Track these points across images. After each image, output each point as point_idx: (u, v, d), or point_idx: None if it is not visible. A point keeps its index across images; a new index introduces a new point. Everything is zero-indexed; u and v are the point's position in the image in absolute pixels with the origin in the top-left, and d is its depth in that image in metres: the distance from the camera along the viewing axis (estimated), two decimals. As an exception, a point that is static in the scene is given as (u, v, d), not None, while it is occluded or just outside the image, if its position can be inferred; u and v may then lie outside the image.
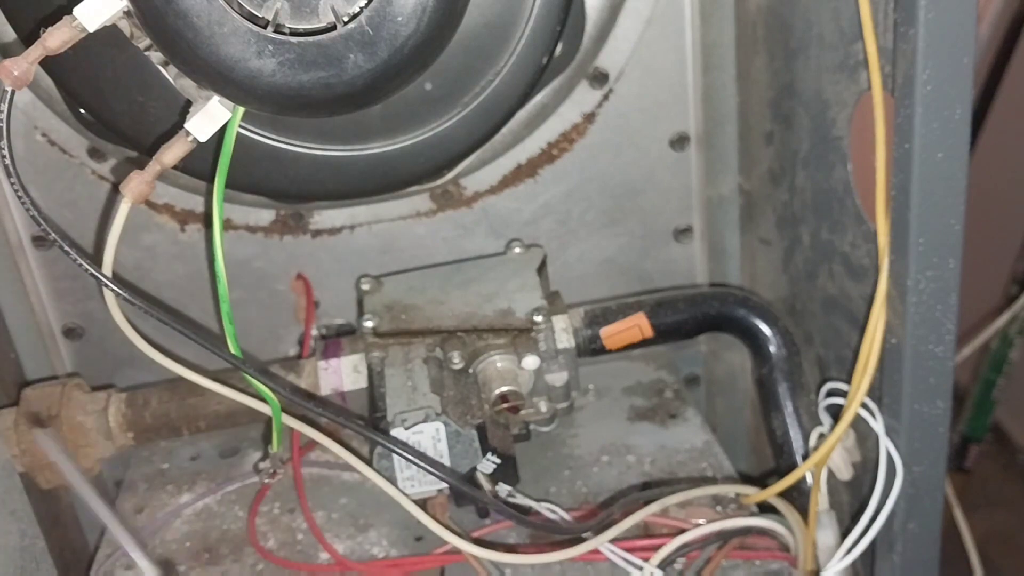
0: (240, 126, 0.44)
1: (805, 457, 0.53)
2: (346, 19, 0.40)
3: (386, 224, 0.64)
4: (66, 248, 0.41)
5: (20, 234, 0.61)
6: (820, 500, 0.49)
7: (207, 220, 0.62)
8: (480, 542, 0.49)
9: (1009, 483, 1.54)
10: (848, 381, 0.46)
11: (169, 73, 0.45)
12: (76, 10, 0.39)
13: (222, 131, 0.43)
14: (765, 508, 0.52)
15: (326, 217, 0.63)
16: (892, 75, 0.39)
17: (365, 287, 0.60)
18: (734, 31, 0.60)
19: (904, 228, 0.40)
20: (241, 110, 0.43)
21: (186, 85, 0.43)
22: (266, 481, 0.56)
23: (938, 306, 0.41)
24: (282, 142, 0.49)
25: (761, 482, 0.53)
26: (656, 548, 0.49)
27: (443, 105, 0.49)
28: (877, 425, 0.45)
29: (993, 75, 1.27)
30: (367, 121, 0.49)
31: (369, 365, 0.55)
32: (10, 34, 0.48)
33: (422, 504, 0.50)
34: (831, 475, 0.49)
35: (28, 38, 0.45)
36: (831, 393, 0.49)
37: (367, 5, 0.40)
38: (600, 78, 0.60)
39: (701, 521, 0.50)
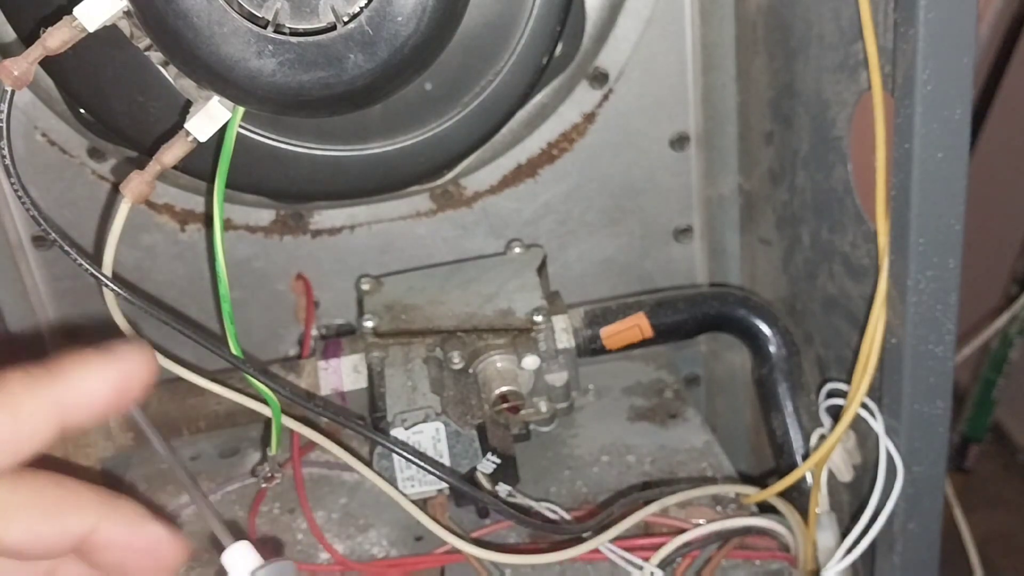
0: (240, 126, 0.44)
1: (805, 457, 0.53)
2: (346, 19, 0.40)
3: (386, 224, 0.64)
4: (66, 248, 0.41)
5: (20, 234, 0.61)
6: (820, 501, 0.49)
7: (207, 220, 0.62)
8: (480, 542, 0.49)
9: (1009, 483, 1.54)
10: (848, 381, 0.46)
11: (169, 73, 0.45)
12: (76, 10, 0.39)
13: (222, 131, 0.43)
14: (765, 508, 0.52)
15: (326, 217, 0.63)
16: (892, 75, 0.39)
17: (365, 287, 0.60)
18: (734, 31, 0.60)
19: (904, 228, 0.40)
20: (241, 110, 0.43)
21: (186, 85, 0.43)
22: (263, 485, 0.55)
23: (938, 306, 0.41)
24: (282, 142, 0.49)
25: (761, 482, 0.53)
26: (656, 548, 0.49)
27: (443, 105, 0.49)
28: (877, 425, 0.45)
29: (993, 75, 1.27)
30: (367, 121, 0.49)
31: (369, 365, 0.55)
32: (10, 34, 0.48)
33: (421, 504, 0.50)
34: (831, 475, 0.49)
35: (28, 38, 0.45)
36: (831, 394, 0.49)
37: (367, 5, 0.40)
38: (600, 78, 0.60)
39: (701, 521, 0.50)
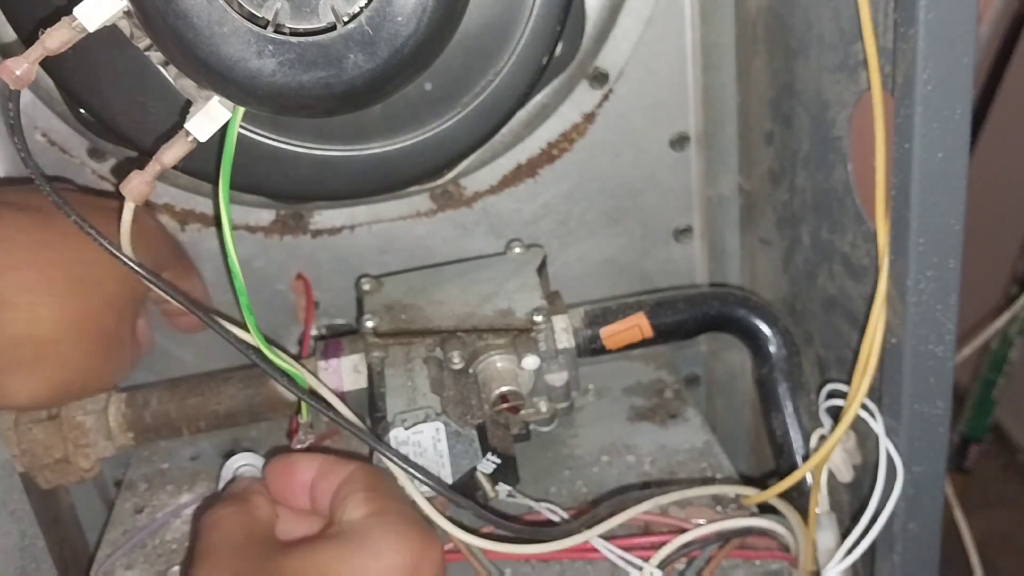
0: (240, 126, 0.44)
1: (805, 457, 0.53)
2: (346, 19, 0.40)
3: (386, 224, 0.64)
4: (100, 239, 0.42)
5: (20, 234, 0.61)
6: (820, 501, 0.49)
7: (207, 220, 0.62)
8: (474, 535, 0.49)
9: (1009, 483, 1.54)
10: (848, 381, 0.46)
11: (169, 73, 0.45)
12: (76, 10, 0.39)
13: (223, 131, 0.43)
14: (765, 508, 0.52)
15: (326, 217, 0.63)
16: (892, 75, 0.39)
17: (365, 287, 0.60)
18: (734, 31, 0.60)
19: (904, 228, 0.40)
20: (241, 110, 0.43)
21: (186, 85, 0.43)
22: (297, 447, 0.54)
23: (938, 306, 0.41)
24: (282, 142, 0.49)
25: (761, 482, 0.53)
26: (655, 547, 0.49)
27: (443, 105, 0.49)
28: (877, 426, 0.45)
29: (993, 75, 1.27)
30: (367, 121, 0.49)
31: (369, 365, 0.55)
32: (10, 34, 0.48)
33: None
34: (831, 475, 0.49)
35: (28, 38, 0.45)
36: (832, 394, 0.49)
37: (367, 5, 0.40)
38: (600, 78, 0.60)
39: (701, 521, 0.50)
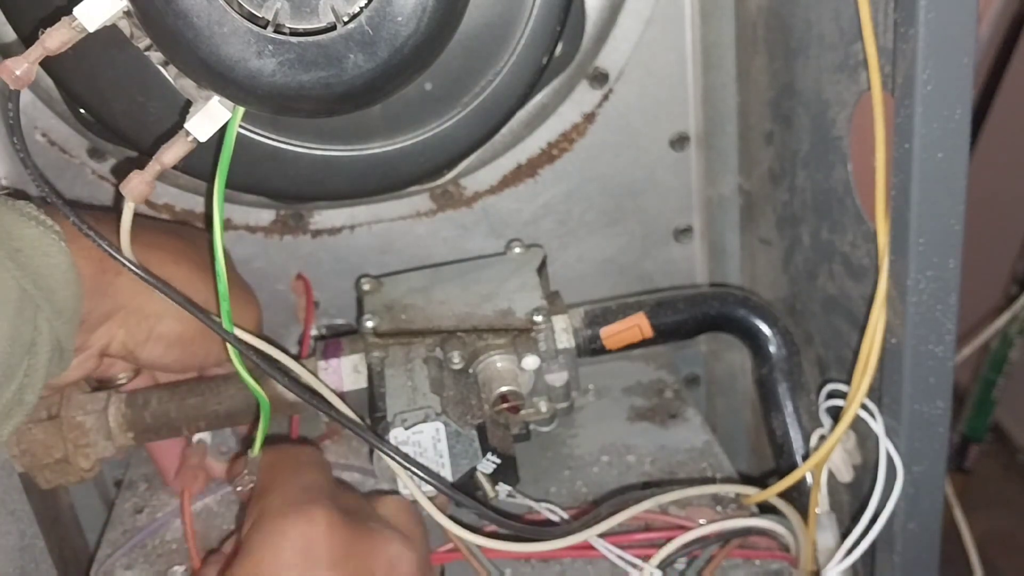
0: (240, 126, 0.44)
1: (805, 457, 0.53)
2: (346, 19, 0.40)
3: (386, 224, 0.64)
4: (99, 240, 0.42)
5: (20, 234, 0.61)
6: (820, 501, 0.49)
7: (207, 220, 0.62)
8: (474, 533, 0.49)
9: (1009, 483, 1.54)
10: (848, 381, 0.46)
11: (169, 73, 0.45)
12: (76, 10, 0.39)
13: (222, 131, 0.43)
14: (765, 508, 0.52)
15: (326, 217, 0.63)
16: (892, 75, 0.39)
17: (365, 287, 0.60)
18: (734, 31, 0.60)
19: (904, 228, 0.40)
20: (241, 110, 0.43)
21: (186, 85, 0.43)
22: (239, 489, 0.50)
23: (938, 306, 0.41)
24: (282, 142, 0.49)
25: (762, 482, 0.53)
26: (653, 543, 0.49)
27: (443, 105, 0.49)
28: (877, 426, 0.45)
29: (993, 75, 1.27)
30: (367, 121, 0.49)
31: (369, 365, 0.55)
32: (10, 34, 0.48)
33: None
34: (831, 475, 0.49)
35: (28, 38, 0.45)
36: (832, 395, 0.49)
37: (367, 5, 0.40)
38: (600, 78, 0.60)
39: (702, 521, 0.50)
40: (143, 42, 0.43)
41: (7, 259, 0.41)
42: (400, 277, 0.62)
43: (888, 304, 0.43)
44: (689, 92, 0.62)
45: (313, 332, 0.63)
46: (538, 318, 0.55)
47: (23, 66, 0.39)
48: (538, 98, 0.57)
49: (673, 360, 0.69)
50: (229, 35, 0.39)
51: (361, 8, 0.40)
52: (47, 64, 0.40)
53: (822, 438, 0.50)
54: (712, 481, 0.56)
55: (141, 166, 0.43)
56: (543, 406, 0.57)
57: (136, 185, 0.42)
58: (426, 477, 0.48)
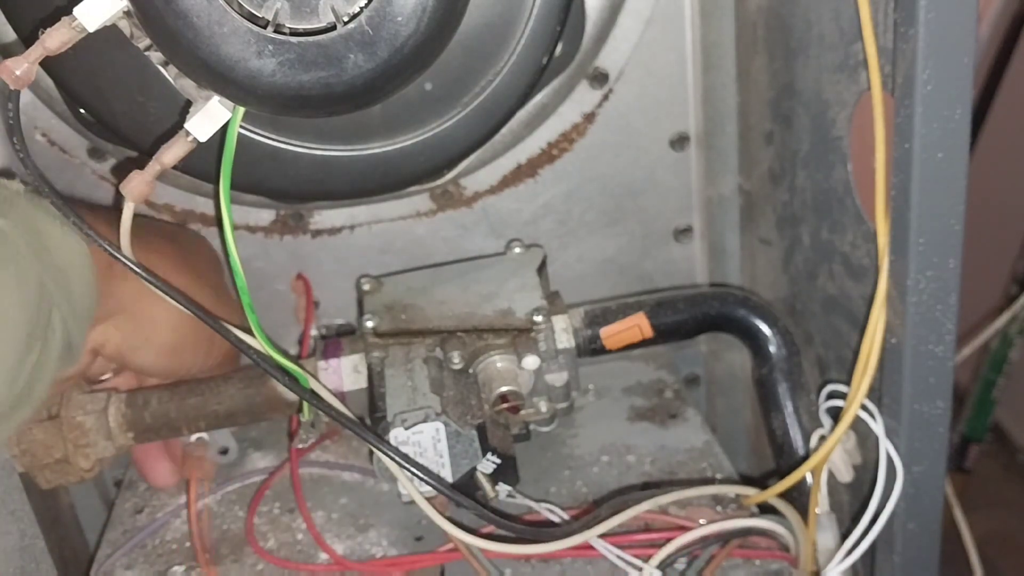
0: (240, 126, 0.44)
1: (805, 457, 0.53)
2: (346, 19, 0.40)
3: (386, 224, 0.64)
4: (100, 241, 0.43)
5: (20, 234, 0.61)
6: (820, 501, 0.49)
7: (207, 220, 0.62)
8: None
9: (1009, 483, 1.54)
10: (848, 381, 0.46)
11: (169, 73, 0.45)
12: (76, 10, 0.39)
13: (223, 131, 0.43)
14: (766, 508, 0.52)
15: (326, 217, 0.63)
16: (892, 75, 0.39)
17: (365, 287, 0.60)
18: (734, 31, 0.60)
19: (904, 228, 0.40)
20: (241, 110, 0.43)
21: (186, 85, 0.43)
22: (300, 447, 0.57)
23: (938, 306, 0.41)
24: (282, 142, 0.49)
25: (761, 482, 0.53)
26: (653, 543, 0.49)
27: (443, 105, 0.49)
28: (877, 427, 0.45)
29: (993, 75, 1.27)
30: (367, 121, 0.49)
31: (369, 365, 0.55)
32: (10, 34, 0.48)
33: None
34: (831, 475, 0.49)
35: (28, 38, 0.45)
36: (832, 395, 0.49)
37: (367, 5, 0.40)
38: (600, 78, 0.60)
39: (702, 521, 0.50)
40: (143, 42, 0.43)
41: (34, 256, 0.42)
42: (400, 277, 0.62)
43: (888, 304, 0.43)
44: (689, 92, 0.62)
45: (313, 332, 0.63)
46: (538, 318, 0.55)
47: (23, 66, 0.39)
48: (538, 98, 0.57)
49: (673, 360, 0.69)
50: (229, 35, 0.39)
51: (361, 8, 0.40)
52: (47, 64, 0.40)
53: (822, 438, 0.50)
54: (712, 481, 0.56)
55: (141, 166, 0.43)
56: (543, 406, 0.57)
57: (136, 185, 0.42)
58: (425, 478, 0.48)
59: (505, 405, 0.52)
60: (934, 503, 0.45)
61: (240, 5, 0.40)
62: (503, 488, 0.51)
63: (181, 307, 0.45)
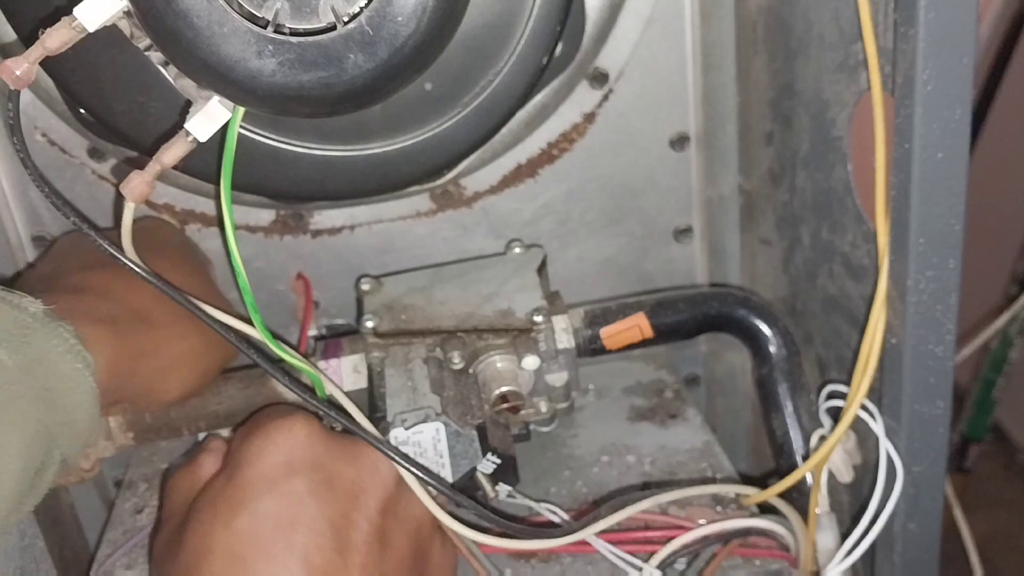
0: (240, 126, 0.44)
1: (805, 457, 0.53)
2: (346, 19, 0.40)
3: (386, 224, 0.64)
4: (100, 240, 0.42)
5: (20, 234, 0.61)
6: (820, 502, 0.49)
7: (207, 220, 0.62)
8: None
9: (1009, 483, 1.54)
10: (848, 382, 0.46)
11: (169, 73, 0.45)
12: (76, 10, 0.39)
13: (223, 131, 0.43)
14: (765, 508, 0.52)
15: (326, 217, 0.63)
16: (892, 75, 0.39)
17: (365, 287, 0.60)
18: (734, 31, 0.60)
19: (904, 228, 0.40)
20: (241, 110, 0.43)
21: (186, 85, 0.43)
22: None
23: (938, 306, 0.41)
24: (282, 142, 0.49)
25: (762, 482, 0.53)
26: (651, 541, 0.49)
27: (443, 105, 0.49)
28: (877, 427, 0.45)
29: (993, 75, 1.27)
30: (367, 121, 0.49)
31: (369, 365, 0.55)
32: (10, 34, 0.48)
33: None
34: (831, 476, 0.49)
35: (28, 38, 0.45)
36: (832, 395, 0.49)
37: (367, 5, 0.40)
38: (600, 78, 0.60)
39: (702, 521, 0.50)
40: (143, 42, 0.43)
41: (37, 398, 0.40)
42: (400, 277, 0.62)
43: (888, 304, 0.43)
44: (689, 92, 0.62)
45: (313, 332, 0.62)
46: (538, 318, 0.55)
47: (23, 66, 0.39)
48: (538, 98, 0.57)
49: (673, 360, 0.69)
50: (229, 35, 0.39)
51: (361, 8, 0.40)
52: (47, 64, 0.40)
53: (822, 438, 0.50)
54: (712, 481, 0.56)
55: (141, 166, 0.43)
56: (543, 406, 0.57)
57: (136, 185, 0.42)
58: (427, 479, 0.47)
59: (505, 405, 0.52)
60: (934, 503, 0.45)
61: (240, 5, 0.40)
62: (503, 488, 0.51)
63: (199, 316, 0.45)
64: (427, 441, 0.50)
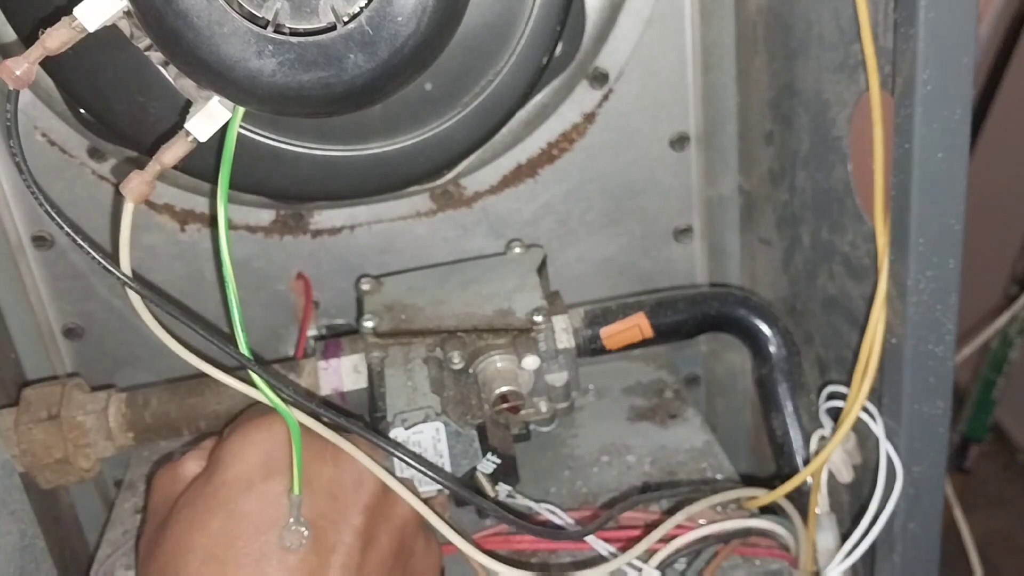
0: (240, 126, 0.43)
1: (806, 459, 0.53)
2: (346, 19, 0.40)
3: (386, 224, 0.64)
4: (88, 248, 0.41)
5: (20, 234, 0.61)
6: (820, 502, 0.49)
7: (207, 220, 0.62)
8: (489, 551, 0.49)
9: (1009, 483, 1.54)
10: (848, 382, 0.46)
11: (169, 73, 0.45)
12: (76, 10, 0.39)
13: (223, 131, 0.43)
14: (766, 508, 0.52)
15: (326, 217, 0.63)
16: (892, 75, 0.39)
17: (365, 287, 0.60)
18: (734, 31, 0.60)
19: (904, 228, 0.40)
20: (241, 110, 0.43)
21: (186, 85, 0.43)
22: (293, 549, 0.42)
23: (938, 306, 0.41)
24: (282, 142, 0.49)
25: (762, 482, 0.53)
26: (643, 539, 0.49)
27: (443, 105, 0.49)
28: (877, 428, 0.45)
29: (993, 75, 1.27)
30: (367, 121, 0.49)
31: (369, 365, 0.55)
32: (10, 34, 0.48)
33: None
34: (831, 476, 0.49)
35: (28, 38, 0.45)
36: (832, 396, 0.49)
37: (367, 5, 0.40)
38: (600, 78, 0.60)
39: (702, 521, 0.50)
40: (143, 42, 0.43)
41: None
42: (400, 277, 0.62)
43: (888, 304, 0.43)
44: (689, 92, 0.62)
45: (313, 332, 0.62)
46: (538, 318, 0.55)
47: (23, 66, 0.39)
48: (538, 98, 0.57)
49: (673, 360, 0.69)
50: (229, 35, 0.39)
51: (361, 8, 0.40)
52: (47, 64, 0.40)
53: (822, 439, 0.50)
54: (712, 482, 0.56)
55: (141, 166, 0.43)
56: (543, 406, 0.57)
57: (136, 185, 0.42)
58: (434, 476, 0.47)
59: (505, 405, 0.52)
60: (934, 503, 0.45)
61: (240, 5, 0.40)
62: (503, 488, 0.51)
63: (189, 326, 0.44)
64: (427, 441, 0.50)
